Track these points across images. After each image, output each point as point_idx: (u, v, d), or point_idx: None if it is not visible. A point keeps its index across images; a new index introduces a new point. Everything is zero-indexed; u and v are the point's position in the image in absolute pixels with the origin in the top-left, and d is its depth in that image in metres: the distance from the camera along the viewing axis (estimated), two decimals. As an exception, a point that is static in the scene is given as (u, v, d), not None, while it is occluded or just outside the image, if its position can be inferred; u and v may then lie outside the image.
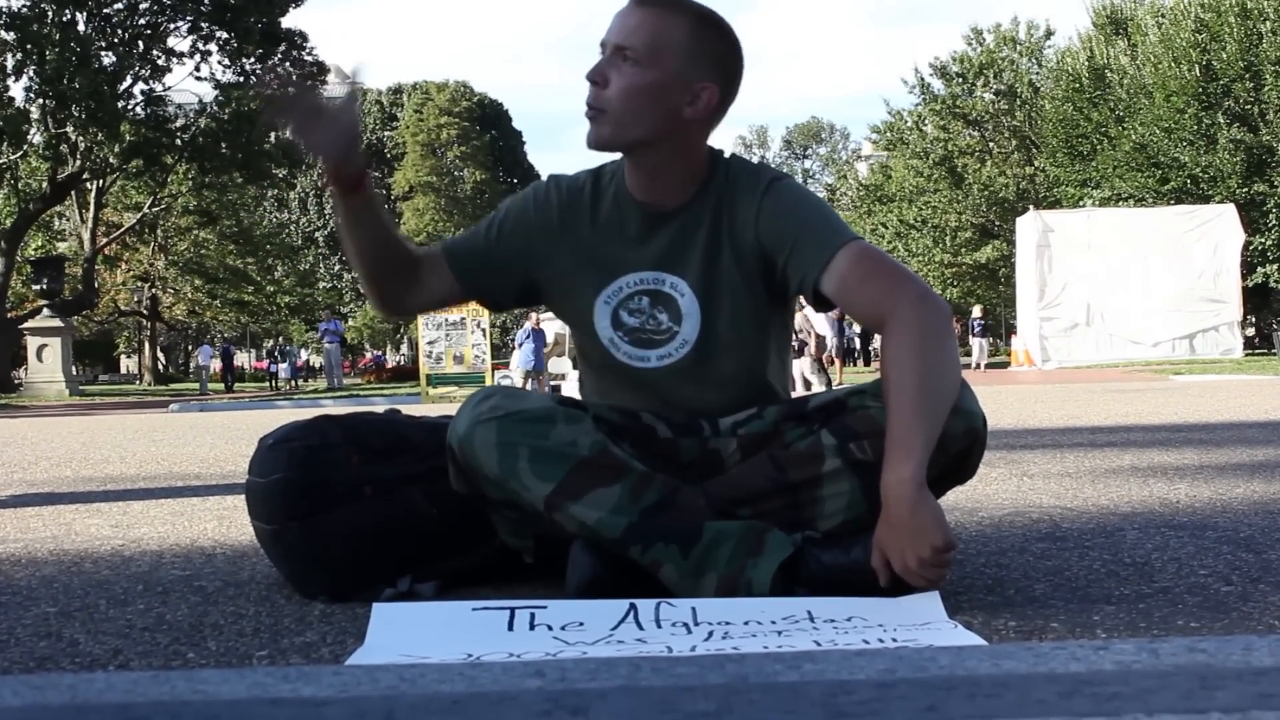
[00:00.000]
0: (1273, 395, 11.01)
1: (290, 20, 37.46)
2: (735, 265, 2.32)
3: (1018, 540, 2.81)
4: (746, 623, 1.85)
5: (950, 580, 2.25)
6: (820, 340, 17.44)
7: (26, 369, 33.13)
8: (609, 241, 2.37)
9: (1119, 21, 41.00)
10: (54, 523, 3.72)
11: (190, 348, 68.38)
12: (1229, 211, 28.44)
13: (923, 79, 48.17)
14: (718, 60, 2.28)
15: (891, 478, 1.99)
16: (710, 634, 1.79)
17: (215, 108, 35.76)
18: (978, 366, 30.43)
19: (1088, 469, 4.47)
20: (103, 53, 34.25)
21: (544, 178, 2.51)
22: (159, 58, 35.90)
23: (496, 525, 2.27)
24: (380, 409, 2.56)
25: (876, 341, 44.53)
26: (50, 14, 31.90)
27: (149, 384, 50.84)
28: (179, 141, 35.69)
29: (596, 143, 2.28)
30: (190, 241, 52.85)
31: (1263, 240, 33.95)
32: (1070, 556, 2.55)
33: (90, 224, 38.75)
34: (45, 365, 30.89)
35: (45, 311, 31.90)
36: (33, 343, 31.28)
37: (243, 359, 71.13)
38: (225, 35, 36.31)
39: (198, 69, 36.51)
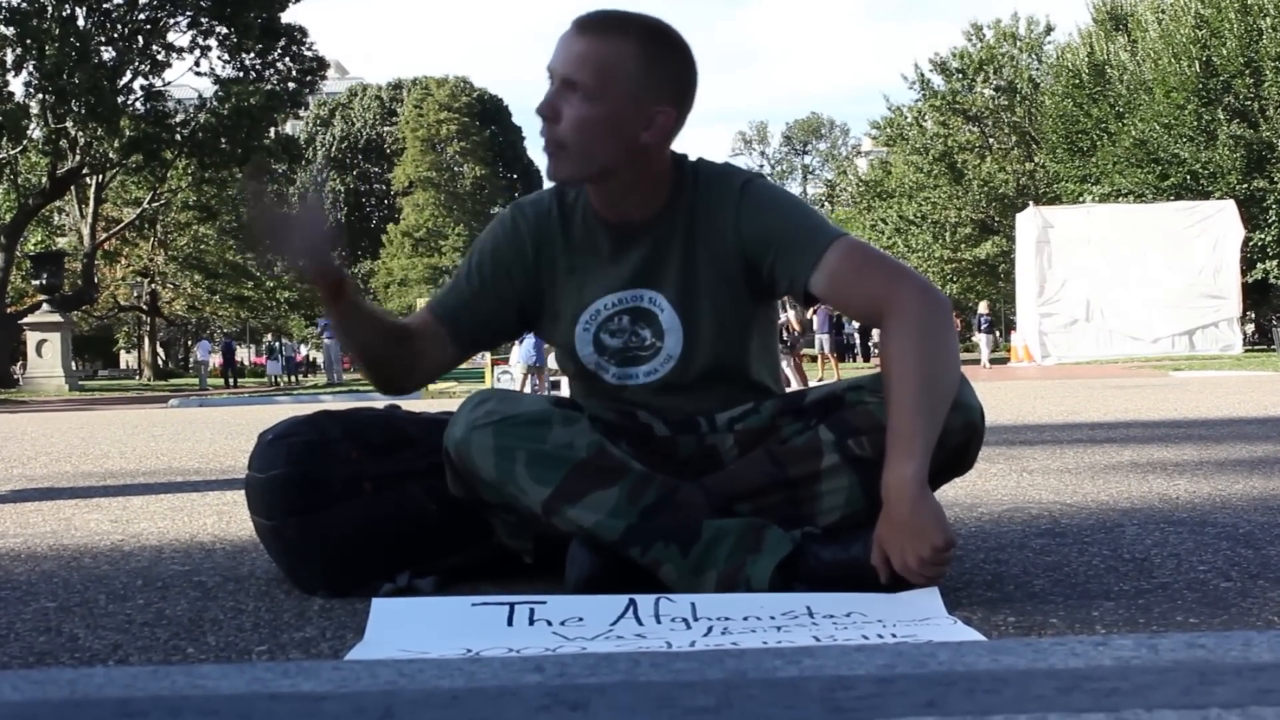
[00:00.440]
0: (1272, 391, 11.01)
1: (290, 15, 37.42)
2: (714, 272, 2.28)
3: (1017, 536, 2.81)
4: (746, 618, 1.85)
5: (949, 576, 2.24)
6: (795, 340, 17.40)
7: (26, 364, 33.16)
8: (583, 266, 2.34)
9: (1119, 17, 41.01)
10: (53, 518, 3.72)
11: (190, 343, 68.35)
12: (1229, 207, 28.46)
13: (923, 75, 48.22)
14: (670, 79, 2.22)
15: (893, 477, 1.99)
16: (710, 629, 1.79)
17: (215, 103, 35.80)
18: (985, 363, 30.05)
19: (1087, 465, 4.47)
20: (102, 48, 34.30)
21: (505, 209, 2.45)
22: (159, 53, 35.95)
23: (495, 527, 2.27)
24: (380, 404, 2.56)
25: (876, 336, 44.58)
26: (50, 9, 31.91)
27: (148, 379, 50.86)
28: (179, 136, 35.71)
29: (556, 178, 2.26)
30: (190, 237, 52.87)
31: (1262, 236, 33.96)
32: (1070, 552, 2.55)
33: (90, 219, 38.76)
34: (45, 360, 30.92)
35: (45, 307, 31.95)
36: (32, 338, 31.32)
37: (242, 354, 71.05)
38: (225, 30, 36.37)
39: (197, 64, 36.60)
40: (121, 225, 44.81)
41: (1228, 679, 1.15)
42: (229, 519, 3.55)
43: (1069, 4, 69.25)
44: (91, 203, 38.79)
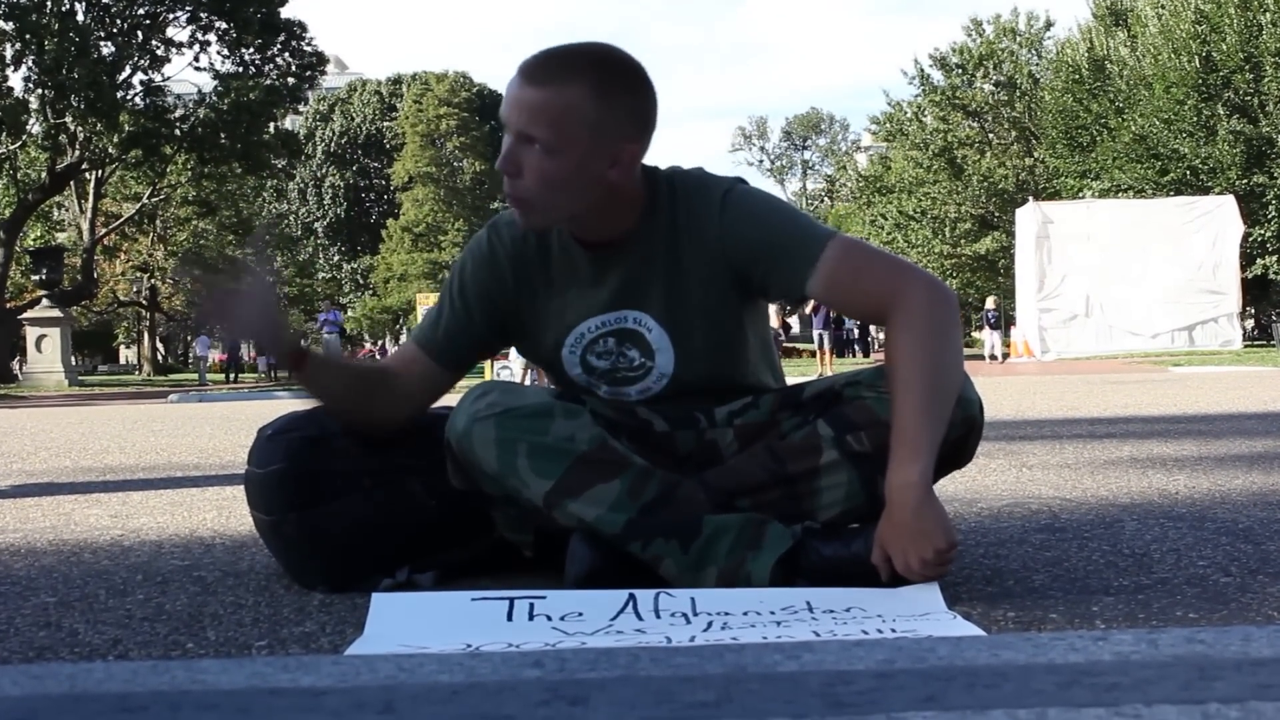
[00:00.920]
0: (1272, 387, 11.01)
1: (289, 10, 37.60)
2: (701, 285, 2.24)
3: (1017, 531, 2.81)
4: (745, 613, 1.85)
5: (949, 571, 2.25)
6: (775, 336, 17.44)
7: (25, 359, 33.16)
8: (564, 289, 2.30)
9: (1119, 13, 40.97)
10: (53, 513, 3.73)
11: (189, 338, 68.31)
12: (1228, 203, 28.44)
13: (922, 70, 48.16)
14: (629, 113, 2.15)
15: (897, 479, 1.98)
16: (709, 624, 1.79)
17: (214, 98, 35.78)
18: (994, 359, 29.65)
19: (1087, 460, 4.48)
20: (102, 43, 34.27)
21: (481, 230, 2.40)
22: (158, 48, 35.94)
23: (496, 520, 2.27)
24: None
25: (875, 331, 44.54)
26: (49, 4, 31.91)
27: (148, 374, 50.85)
28: (178, 132, 35.69)
29: (528, 228, 2.24)
30: (189, 232, 52.86)
31: (1262, 232, 33.95)
32: (1069, 547, 2.56)
33: (89, 214, 38.73)
34: (44, 355, 30.89)
35: (44, 302, 31.92)
36: (32, 333, 31.29)
37: (242, 349, 70.98)
38: (224, 25, 36.36)
39: (197, 59, 36.58)
40: (121, 220, 44.81)
41: (1227, 674, 1.16)
42: (229, 514, 3.55)
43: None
44: (91, 198, 38.76)
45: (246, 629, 1.99)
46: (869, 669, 1.20)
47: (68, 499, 4.14)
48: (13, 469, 5.68)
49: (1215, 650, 1.26)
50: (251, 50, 37.39)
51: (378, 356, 51.36)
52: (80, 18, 33.38)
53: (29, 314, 32.19)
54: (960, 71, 47.87)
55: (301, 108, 50.57)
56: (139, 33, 35.55)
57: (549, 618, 1.85)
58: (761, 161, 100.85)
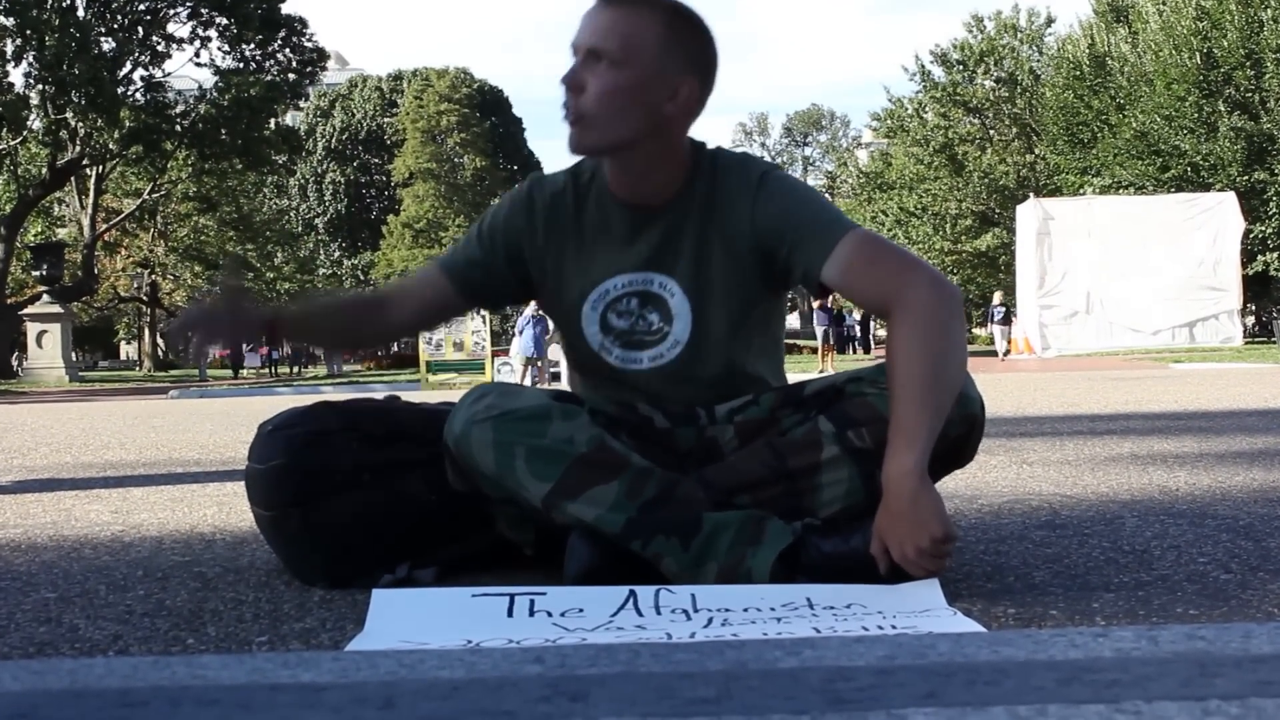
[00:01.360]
0: (1272, 383, 11.01)
1: (290, 6, 37.56)
2: (727, 260, 2.28)
3: (1017, 528, 2.81)
4: (746, 609, 1.85)
5: (949, 568, 2.25)
6: None
7: (26, 355, 33.17)
8: (594, 245, 2.33)
9: (1120, 9, 40.93)
10: (54, 508, 3.73)
11: (190, 334, 68.20)
12: (1229, 199, 28.45)
13: (923, 66, 48.11)
14: (693, 54, 2.23)
15: (893, 467, 1.99)
16: (710, 621, 1.79)
17: (215, 94, 35.78)
18: (1004, 355, 29.20)
19: (1087, 457, 4.48)
20: (102, 38, 34.26)
21: (524, 181, 2.46)
22: (159, 44, 35.93)
23: (496, 519, 2.27)
24: (380, 396, 2.56)
25: (875, 328, 44.58)
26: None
27: (149, 370, 50.90)
28: (179, 128, 35.71)
29: (579, 149, 2.25)
30: (190, 228, 52.87)
31: (1263, 228, 33.95)
32: (1069, 544, 2.56)
33: (90, 210, 38.73)
34: (45, 351, 30.92)
35: (45, 298, 31.95)
36: (32, 329, 31.31)
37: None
38: (225, 21, 36.36)
39: (197, 55, 36.59)
40: (121, 216, 44.82)
41: (1227, 670, 1.16)
42: (229, 510, 3.55)
43: (1070, -5, 69.19)
44: (91, 194, 38.75)
45: (247, 625, 1.99)
46: (869, 665, 1.20)
47: (68, 494, 4.14)
48: (13, 464, 5.68)
49: (1216, 647, 1.26)
50: (252, 46, 37.39)
51: (377, 352, 51.24)
52: (81, 13, 33.37)
53: (29, 310, 32.22)
54: (961, 68, 47.83)
55: (302, 104, 50.48)
56: (140, 28, 35.54)
57: (549, 614, 1.85)
58: (762, 158, 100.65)
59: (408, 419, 2.42)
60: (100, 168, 37.94)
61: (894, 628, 1.71)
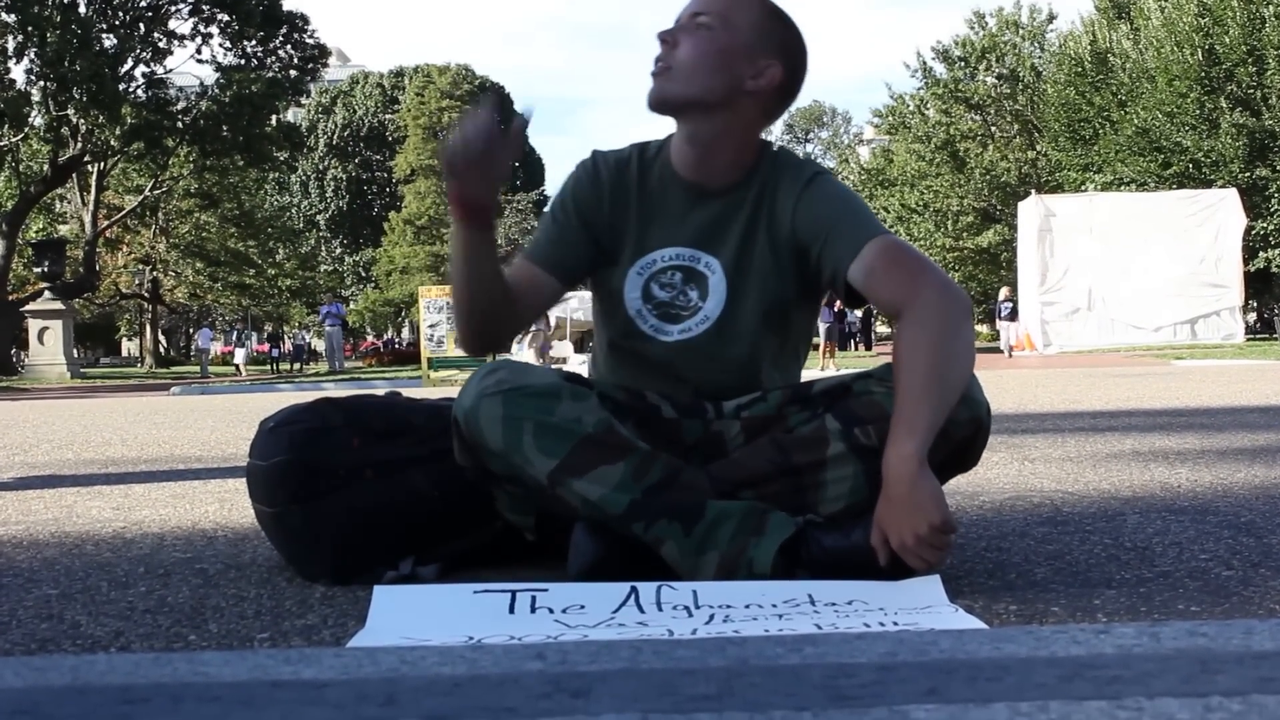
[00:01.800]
0: (1274, 380, 11.01)
1: (291, 3, 37.56)
2: (769, 252, 2.34)
3: (1019, 524, 2.81)
4: (747, 606, 1.85)
5: (951, 564, 2.25)
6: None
7: (28, 352, 33.17)
8: (651, 215, 2.39)
9: (1121, 5, 40.89)
10: (55, 505, 3.73)
11: (191, 330, 68.39)
12: (1231, 196, 28.43)
13: (925, 62, 48.07)
14: (784, 45, 2.33)
15: (893, 454, 1.99)
16: (711, 617, 1.79)
17: (216, 90, 35.75)
18: (1011, 352, 28.63)
19: (1089, 453, 4.48)
20: (104, 35, 34.22)
21: (589, 154, 2.50)
22: (160, 40, 35.89)
23: (498, 501, 2.27)
24: (381, 392, 2.56)
25: (879, 326, 44.56)
26: (51, -4, 31.87)
27: (150, 367, 50.88)
28: (180, 124, 35.68)
29: (658, 98, 2.31)
30: (191, 224, 52.82)
31: (1265, 225, 33.92)
32: (1071, 541, 2.56)
33: (91, 207, 38.72)
34: (46, 348, 30.92)
35: (46, 294, 31.94)
36: (34, 325, 31.31)
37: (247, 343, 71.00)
38: (226, 18, 36.32)
39: (199, 52, 36.55)
40: (123, 213, 44.80)
41: (1229, 667, 1.16)
42: (231, 506, 3.55)
43: (1072, -8, 69.16)
44: (93, 190, 38.73)
45: (249, 621, 1.99)
46: (871, 662, 1.20)
47: (70, 491, 4.15)
48: (15, 461, 5.68)
49: (1217, 643, 1.26)
50: (253, 43, 37.37)
51: (381, 349, 51.27)
52: (82, 10, 33.33)
53: (31, 306, 32.22)
54: (963, 64, 47.77)
55: (303, 100, 50.52)
56: (141, 25, 35.51)
57: (551, 610, 1.86)
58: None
59: (410, 415, 2.42)
60: (102, 164, 37.91)
61: (896, 624, 1.71)
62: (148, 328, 56.66)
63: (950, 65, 47.96)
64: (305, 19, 37.86)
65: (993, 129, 48.16)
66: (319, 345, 60.00)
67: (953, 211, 46.34)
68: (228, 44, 37.13)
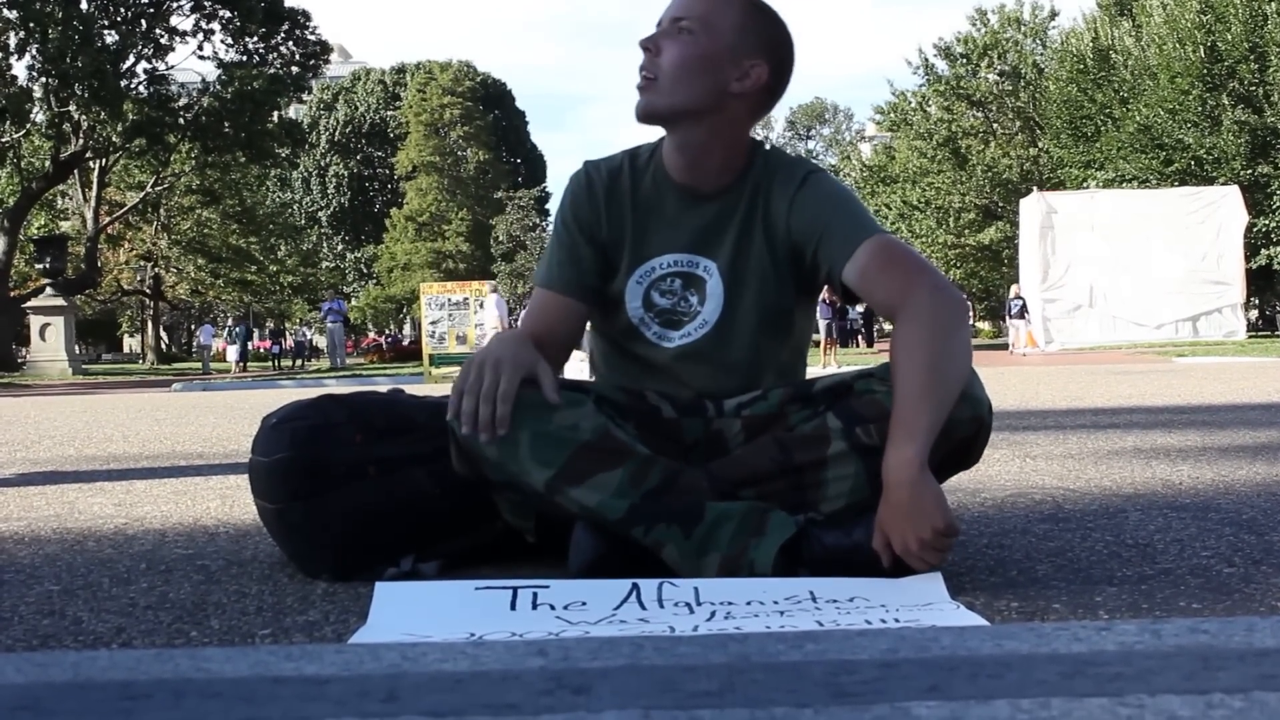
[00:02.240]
0: (1276, 377, 11.00)
1: (293, -1, 37.30)
2: (766, 252, 2.35)
3: (1020, 521, 2.81)
4: (749, 603, 1.85)
5: (952, 561, 2.25)
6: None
7: (29, 348, 33.17)
8: (647, 222, 2.39)
9: (1123, 2, 40.89)
10: (57, 501, 3.73)
11: (193, 327, 68.38)
12: (1233, 193, 28.42)
13: (927, 60, 48.05)
14: (768, 43, 2.33)
15: (894, 459, 1.99)
16: (713, 614, 1.79)
17: (218, 87, 35.72)
18: (1021, 350, 27.70)
19: (1090, 450, 4.47)
20: (105, 31, 34.20)
21: (580, 166, 2.50)
22: (162, 36, 35.86)
23: (498, 505, 2.27)
24: (384, 389, 2.56)
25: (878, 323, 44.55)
26: (53, -8, 31.84)
27: (152, 363, 50.89)
28: (182, 121, 35.63)
29: (646, 111, 2.31)
30: (193, 221, 52.79)
31: (1266, 222, 33.91)
32: (1073, 538, 2.56)
33: (93, 203, 38.70)
34: (48, 344, 30.94)
35: (48, 290, 31.96)
36: (36, 322, 31.33)
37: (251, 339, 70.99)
38: (228, 14, 36.28)
39: (200, 48, 36.50)
40: (125, 209, 44.75)
41: (1231, 664, 1.16)
42: (232, 503, 3.55)
43: (1073, -11, 69.03)
44: (95, 186, 38.71)
45: (250, 617, 1.99)
46: (872, 659, 1.20)
47: (72, 487, 4.15)
48: (17, 457, 5.68)
49: (1219, 641, 1.26)
50: (255, 39, 37.33)
51: (383, 346, 51.28)
52: (84, 6, 33.30)
53: (33, 303, 32.23)
54: (965, 61, 47.74)
55: (305, 97, 50.50)
56: (143, 21, 35.49)
57: (552, 607, 1.86)
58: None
59: (412, 412, 2.42)
60: (103, 161, 37.89)
61: (897, 621, 1.71)
62: (149, 324, 56.66)
63: (952, 62, 47.93)
64: (307, 15, 37.83)
65: (995, 126, 48.13)
66: (321, 342, 60.01)
67: (954, 208, 46.32)
68: (229, 40, 37.10)
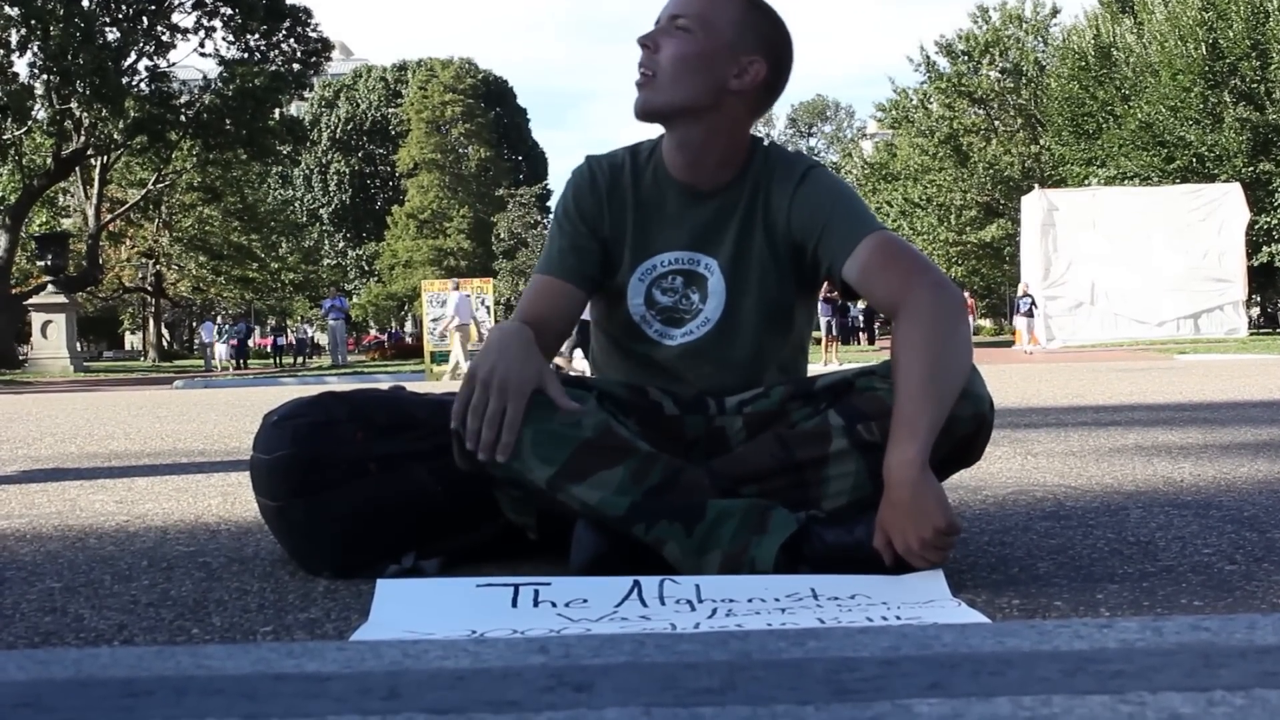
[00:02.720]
0: (1278, 375, 11.00)
1: (294, -4, 37.26)
2: (766, 248, 2.35)
3: (1022, 519, 2.81)
4: (750, 600, 1.85)
5: (954, 559, 2.25)
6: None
7: (31, 345, 33.17)
8: (648, 219, 2.39)
9: (1125, -1, 40.89)
10: (59, 498, 3.73)
11: (194, 324, 68.37)
12: (1234, 190, 28.41)
13: (928, 57, 48.08)
14: (766, 39, 2.33)
15: (895, 458, 1.99)
16: (714, 611, 1.79)
17: (219, 84, 35.70)
18: (1029, 351, 26.54)
19: (1092, 448, 4.47)
20: (107, 28, 34.18)
21: (581, 163, 2.49)
22: (163, 33, 35.82)
23: (500, 502, 2.27)
24: (385, 386, 2.56)
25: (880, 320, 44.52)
26: (54, -11, 31.83)
27: (153, 360, 50.89)
28: (183, 118, 35.61)
29: (644, 108, 2.31)
30: (195, 218, 52.79)
31: (1268, 219, 33.92)
32: (1074, 535, 2.55)
33: (94, 200, 38.68)
34: (50, 341, 30.94)
35: (50, 288, 31.96)
36: (37, 319, 31.34)
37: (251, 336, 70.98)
38: (229, 11, 36.24)
39: (202, 45, 36.46)
40: (126, 206, 44.73)
41: (1232, 662, 1.16)
42: (234, 500, 3.55)
43: (1075, -14, 69.03)
44: (96, 184, 38.68)
45: (251, 615, 1.99)
46: (874, 656, 1.20)
47: (73, 485, 4.15)
48: (18, 455, 5.68)
49: (1220, 638, 1.25)
50: (257, 36, 37.30)
51: (385, 343, 51.24)
52: (85, 3, 33.27)
53: (34, 300, 32.24)
54: (966, 59, 47.77)
55: (307, 94, 50.41)
56: (144, 18, 35.45)
57: (554, 604, 1.86)
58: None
59: (413, 409, 2.42)
60: (105, 158, 37.87)
61: (898, 618, 1.71)
62: (151, 321, 56.67)
63: (954, 59, 47.96)
64: (308, 13, 37.80)
65: (996, 123, 48.14)
66: (322, 339, 59.99)
67: (956, 206, 46.35)
68: (231, 37, 37.07)
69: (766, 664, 1.18)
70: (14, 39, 31.66)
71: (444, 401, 2.36)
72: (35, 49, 31.89)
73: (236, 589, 2.21)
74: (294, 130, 39.18)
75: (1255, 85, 34.32)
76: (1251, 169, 33.55)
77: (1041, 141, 45.77)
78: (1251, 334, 29.68)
